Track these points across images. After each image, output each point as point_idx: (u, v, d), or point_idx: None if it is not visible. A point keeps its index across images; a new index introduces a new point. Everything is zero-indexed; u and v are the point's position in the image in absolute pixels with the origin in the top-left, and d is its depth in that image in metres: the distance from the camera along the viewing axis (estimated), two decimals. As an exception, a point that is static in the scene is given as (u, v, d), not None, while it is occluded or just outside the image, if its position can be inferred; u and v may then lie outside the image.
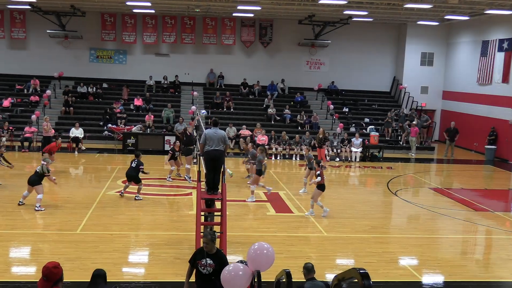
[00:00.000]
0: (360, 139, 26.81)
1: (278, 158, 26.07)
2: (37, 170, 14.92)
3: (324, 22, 31.60)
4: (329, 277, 10.07)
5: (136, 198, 16.31)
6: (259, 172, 17.29)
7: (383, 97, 35.08)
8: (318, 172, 15.27)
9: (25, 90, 31.20)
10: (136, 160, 16.78)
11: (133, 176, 16.54)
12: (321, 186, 15.24)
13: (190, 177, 19.47)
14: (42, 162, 15.26)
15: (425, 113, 31.89)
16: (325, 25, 31.74)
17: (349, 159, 26.24)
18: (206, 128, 12.78)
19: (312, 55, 34.46)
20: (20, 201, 15.06)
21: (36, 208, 14.65)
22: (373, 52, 34.65)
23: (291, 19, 32.61)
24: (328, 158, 25.73)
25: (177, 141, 21.41)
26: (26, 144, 25.33)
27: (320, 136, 24.14)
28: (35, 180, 14.83)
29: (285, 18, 32.79)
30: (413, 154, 28.35)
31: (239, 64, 33.77)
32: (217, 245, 11.37)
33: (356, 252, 12.51)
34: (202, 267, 7.24)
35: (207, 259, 7.24)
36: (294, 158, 25.85)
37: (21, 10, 31.25)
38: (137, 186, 16.54)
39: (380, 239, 13.68)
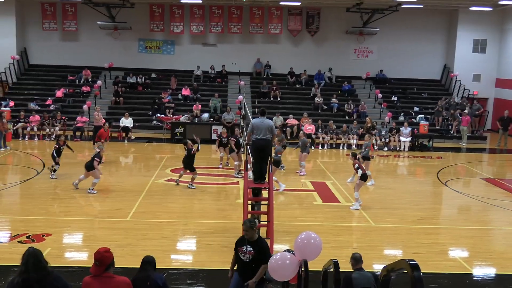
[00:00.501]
0: (409, 128, 26.35)
1: (325, 147, 25.92)
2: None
3: (372, 10, 31.09)
4: (377, 267, 10.01)
5: (189, 186, 16.59)
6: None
7: (433, 86, 34.31)
8: (356, 165, 15.04)
9: (77, 80, 31.99)
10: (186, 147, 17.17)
11: (187, 163, 16.86)
12: (363, 176, 15.03)
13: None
14: (96, 149, 15.85)
15: (477, 102, 31.04)
16: (374, 13, 31.22)
17: (398, 148, 25.84)
18: (253, 118, 12.81)
19: (360, 43, 34.00)
20: (75, 182, 15.78)
21: (89, 191, 15.41)
22: (423, 40, 33.89)
23: (338, 7, 32.23)
24: (376, 147, 25.41)
25: (224, 129, 21.55)
26: (78, 133, 26.05)
27: (368, 125, 23.88)
28: (91, 165, 15.44)
29: (333, 6, 32.43)
30: (464, 144, 27.70)
31: (286, 53, 33.64)
32: (264, 234, 11.55)
33: (405, 243, 12.35)
34: (243, 254, 7.29)
35: (248, 246, 7.27)
36: (341, 148, 25.66)
37: (73, 2, 32.00)
38: (191, 175, 16.78)
39: (429, 230, 13.45)
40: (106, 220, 13.16)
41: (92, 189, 15.44)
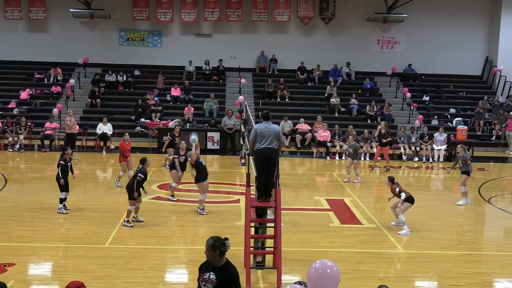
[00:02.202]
0: (445, 135, 26.32)
1: (343, 157, 25.87)
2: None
3: (399, -8, 31.22)
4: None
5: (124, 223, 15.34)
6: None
7: (473, 83, 34.31)
8: (397, 189, 15.00)
9: (46, 79, 32.10)
10: None
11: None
12: (409, 199, 14.93)
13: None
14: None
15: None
16: (400, -5, 31.33)
17: (431, 158, 25.79)
18: (256, 123, 12.80)
19: (384, 33, 34.06)
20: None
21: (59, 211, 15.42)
22: (460, 28, 33.90)
23: (358, -12, 32.46)
24: (405, 157, 25.38)
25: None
26: (46, 142, 26.06)
27: (382, 131, 23.76)
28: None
29: (351, -12, 32.69)
30: (511, 153, 27.64)
31: (295, 45, 33.72)
32: (270, 263, 11.51)
33: (440, 273, 12.26)
34: (203, 283, 7.04)
35: (211, 273, 7.08)
36: (363, 158, 25.59)
37: (40, -14, 32.20)
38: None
39: (470, 257, 13.37)
40: (80, 246, 13.10)
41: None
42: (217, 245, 6.96)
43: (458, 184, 18.58)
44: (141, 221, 14.97)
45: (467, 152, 18.87)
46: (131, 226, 14.68)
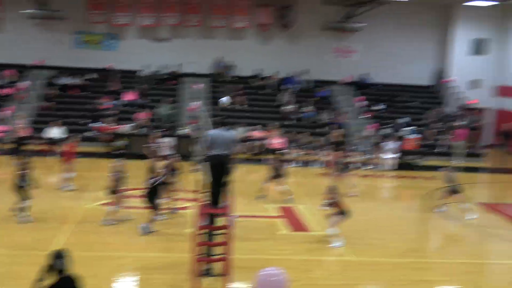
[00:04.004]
0: (396, 143, 26.61)
1: (298, 164, 25.95)
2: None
3: (355, 1, 31.48)
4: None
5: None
6: None
7: (425, 93, 34.81)
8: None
9: (-2, 81, 31.48)
10: None
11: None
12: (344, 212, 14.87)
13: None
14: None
15: (475, 112, 31.59)
16: (357, 6, 31.61)
17: (382, 167, 26.05)
18: (211, 129, 12.77)
19: (341, 41, 34.34)
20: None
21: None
22: (414, 38, 34.44)
23: (316, -3, 32.68)
24: (357, 165, 25.58)
25: None
26: (-3, 145, 25.53)
27: (337, 139, 23.95)
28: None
29: (310, -3, 32.90)
30: (459, 162, 28.09)
31: (253, 52, 33.74)
32: (220, 270, 11.43)
33: (389, 280, 12.41)
34: None
35: None
36: (316, 165, 25.72)
37: (-7, -15, 31.60)
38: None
39: (417, 265, 13.55)
40: (26, 254, 12.86)
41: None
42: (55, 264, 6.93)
43: (407, 193, 18.75)
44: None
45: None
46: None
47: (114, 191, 15.57)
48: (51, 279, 6.83)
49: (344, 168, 20.10)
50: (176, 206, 16.96)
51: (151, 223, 14.93)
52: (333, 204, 14.83)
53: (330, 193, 15.07)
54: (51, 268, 6.73)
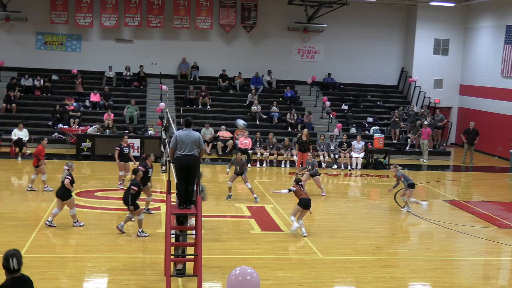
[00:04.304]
0: (362, 143, 26.87)
1: (264, 165, 26.03)
2: (60, 179, 15.04)
3: (318, 2, 31.70)
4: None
5: (139, 234, 14.87)
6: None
7: (389, 92, 35.26)
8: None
9: (-43, 83, 30.90)
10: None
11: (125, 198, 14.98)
12: (301, 201, 15.29)
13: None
14: (65, 167, 15.23)
15: (439, 111, 32.10)
16: (320, 6, 31.84)
17: (349, 166, 26.28)
18: (177, 129, 12.73)
19: (304, 42, 34.54)
20: (48, 221, 15.00)
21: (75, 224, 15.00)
22: (377, 39, 34.81)
23: (279, -2, 32.78)
24: (324, 165, 25.77)
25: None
26: (-42, 148, 25.06)
27: (304, 139, 24.06)
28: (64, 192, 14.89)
29: (273, -3, 32.99)
30: (425, 160, 28.49)
31: (217, 53, 33.74)
32: (191, 270, 11.44)
33: (358, 278, 12.53)
34: None
35: None
36: (283, 165, 25.84)
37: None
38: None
39: (386, 262, 13.74)
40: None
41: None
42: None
43: (375, 191, 18.95)
44: (147, 235, 14.66)
45: (399, 169, 19.26)
46: (147, 235, 14.61)
47: None
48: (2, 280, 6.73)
49: (310, 168, 20.14)
50: (148, 207, 16.88)
51: (126, 223, 14.94)
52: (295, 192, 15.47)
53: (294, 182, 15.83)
54: (4, 269, 6.64)
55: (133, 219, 15.01)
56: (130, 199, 14.40)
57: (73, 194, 15.24)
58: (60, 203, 14.97)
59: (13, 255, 6.64)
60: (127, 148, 19.91)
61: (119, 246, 13.89)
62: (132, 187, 14.54)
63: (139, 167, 15.74)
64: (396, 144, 29.89)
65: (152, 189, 19.06)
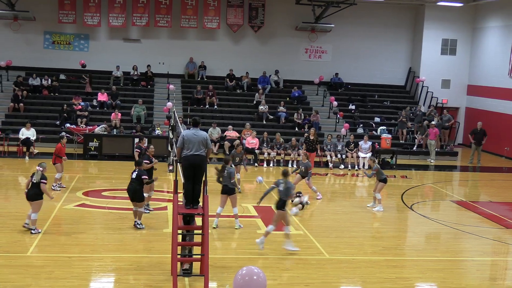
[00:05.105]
0: (369, 143, 26.85)
1: (271, 164, 26.03)
2: (34, 180, 14.45)
3: (326, 2, 31.67)
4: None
5: (137, 225, 15.30)
6: None
7: (397, 92, 35.20)
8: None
9: (-35, 82, 31.04)
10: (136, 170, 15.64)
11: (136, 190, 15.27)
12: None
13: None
14: (38, 168, 14.71)
15: (447, 112, 32.02)
16: (328, 6, 31.81)
17: (356, 166, 26.25)
18: (184, 129, 12.75)
19: (312, 42, 34.52)
20: (25, 223, 14.61)
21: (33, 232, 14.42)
22: (384, 39, 34.78)
23: (287, -2, 32.77)
24: (331, 165, 25.76)
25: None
26: (-34, 147, 25.19)
27: (311, 138, 24.03)
28: (36, 194, 14.43)
29: (280, -3, 32.98)
30: (432, 161, 28.43)
31: (224, 52, 33.76)
32: (198, 269, 11.46)
33: (365, 278, 12.51)
34: None
35: None
36: (290, 165, 25.82)
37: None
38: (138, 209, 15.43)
39: (393, 262, 13.71)
40: (1, 255, 12.73)
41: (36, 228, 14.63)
42: None
43: (382, 191, 18.91)
44: (143, 228, 15.15)
45: (376, 163, 19.26)
46: (143, 228, 15.04)
47: None
48: None
49: (303, 169, 19.81)
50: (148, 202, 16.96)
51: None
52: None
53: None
54: None
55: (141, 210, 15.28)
56: (139, 190, 14.90)
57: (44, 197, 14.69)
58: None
59: None
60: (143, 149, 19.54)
61: (126, 245, 13.91)
62: (143, 177, 15.02)
63: (144, 160, 16.12)
64: (403, 144, 29.84)
65: (159, 189, 19.17)
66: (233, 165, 18.15)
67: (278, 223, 14.03)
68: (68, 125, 27.94)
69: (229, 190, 15.63)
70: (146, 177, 15.23)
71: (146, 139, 20.96)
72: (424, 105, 33.11)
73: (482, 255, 14.82)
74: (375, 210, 18.45)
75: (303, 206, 18.09)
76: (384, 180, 18.52)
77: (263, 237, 13.97)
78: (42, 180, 14.40)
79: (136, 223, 15.14)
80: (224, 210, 17.07)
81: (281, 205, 13.93)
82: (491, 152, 31.11)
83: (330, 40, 34.49)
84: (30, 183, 14.48)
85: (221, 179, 15.77)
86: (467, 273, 13.46)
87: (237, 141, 19.54)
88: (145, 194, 15.85)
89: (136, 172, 15.21)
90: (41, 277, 11.56)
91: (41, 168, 14.66)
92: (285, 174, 14.36)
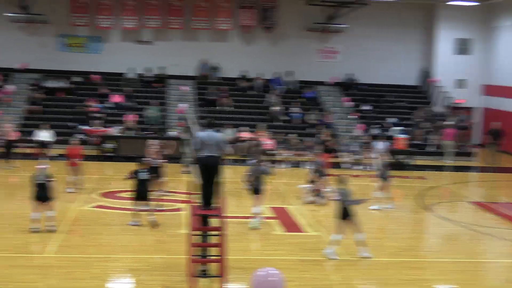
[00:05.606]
0: (384, 143, 26.71)
1: (286, 165, 25.99)
2: (40, 181, 14.59)
3: (338, 2, 31.61)
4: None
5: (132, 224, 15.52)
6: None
7: (411, 93, 35.01)
8: None
9: (-18, 85, 31.23)
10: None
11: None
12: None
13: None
14: (40, 167, 14.94)
15: (463, 112, 31.83)
16: (340, 7, 31.74)
17: (372, 167, 26.13)
18: (199, 131, 12.73)
19: (324, 43, 34.45)
20: (32, 227, 14.60)
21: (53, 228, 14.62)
22: (397, 39, 34.64)
23: (299, -1, 32.73)
24: (345, 166, 25.68)
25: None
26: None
27: (325, 138, 23.98)
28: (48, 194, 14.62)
29: (292, -2, 32.93)
30: (448, 161, 28.28)
31: (237, 53, 33.76)
32: (215, 271, 11.43)
33: (383, 280, 12.45)
34: None
35: None
36: (304, 166, 25.75)
37: (-25, -11, 31.33)
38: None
39: (411, 264, 13.63)
40: (19, 256, 12.81)
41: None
42: None
43: (397, 192, 18.86)
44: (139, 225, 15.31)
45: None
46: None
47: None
48: None
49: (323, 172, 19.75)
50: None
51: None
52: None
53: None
54: None
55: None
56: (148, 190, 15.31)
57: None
58: (40, 206, 14.66)
59: None
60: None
61: (143, 246, 13.94)
62: (151, 175, 15.60)
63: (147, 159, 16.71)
64: (419, 145, 29.68)
65: (174, 190, 19.18)
66: (266, 164, 18.41)
67: (345, 231, 13.68)
68: (83, 127, 28.04)
69: (257, 189, 15.93)
70: (151, 175, 15.74)
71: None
72: (439, 105, 32.94)
73: (502, 256, 14.70)
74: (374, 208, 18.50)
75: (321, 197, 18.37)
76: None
77: (332, 247, 13.70)
78: (49, 179, 14.70)
79: (137, 221, 15.36)
80: (239, 210, 17.09)
81: (345, 213, 13.53)
82: (508, 152, 30.81)
83: (343, 40, 34.40)
84: (36, 183, 14.58)
85: (250, 179, 16.11)
86: (488, 275, 13.39)
87: (255, 141, 19.67)
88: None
89: (145, 172, 15.46)
90: (60, 277, 11.61)
91: (44, 167, 15.01)
92: (342, 181, 14.10)
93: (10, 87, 29.86)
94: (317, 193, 18.68)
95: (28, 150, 25.33)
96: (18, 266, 12.16)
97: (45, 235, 14.31)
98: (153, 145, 18.81)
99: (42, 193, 14.55)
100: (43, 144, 25.27)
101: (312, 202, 18.51)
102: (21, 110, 29.63)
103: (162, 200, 17.42)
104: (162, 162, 17.62)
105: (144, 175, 15.37)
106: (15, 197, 19.12)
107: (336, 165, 26.23)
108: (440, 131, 29.20)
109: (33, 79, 31.26)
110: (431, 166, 27.28)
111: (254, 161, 16.92)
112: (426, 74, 34.90)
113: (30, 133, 26.53)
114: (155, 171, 16.74)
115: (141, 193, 15.29)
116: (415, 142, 29.82)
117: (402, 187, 23.05)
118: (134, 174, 15.43)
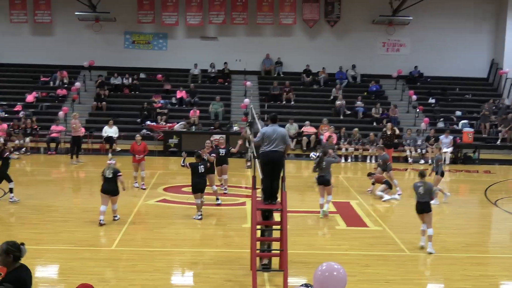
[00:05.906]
0: (450, 137, 26.27)
1: (349, 160, 25.85)
2: (107, 175, 15.07)
3: (404, -6, 31.19)
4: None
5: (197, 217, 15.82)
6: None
7: (479, 85, 34.22)
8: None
9: (51, 82, 32.19)
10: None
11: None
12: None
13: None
14: (109, 162, 15.44)
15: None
16: (406, -2, 31.31)
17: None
18: (263, 126, 12.81)
19: (389, 35, 34.02)
20: (101, 220, 14.99)
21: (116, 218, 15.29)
22: (465, 30, 33.88)
23: (363, -9, 32.45)
24: (410, 160, 25.34)
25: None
26: (52, 145, 26.12)
27: (388, 132, 23.62)
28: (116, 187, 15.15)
29: (356, -9, 32.67)
30: (517, 155, 27.58)
31: (300, 48, 33.71)
32: (276, 265, 11.50)
33: (447, 276, 12.24)
34: None
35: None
36: (368, 160, 25.57)
37: (46, -11, 32.28)
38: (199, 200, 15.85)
39: (477, 260, 13.35)
40: (87, 249, 13.12)
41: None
42: (11, 250, 6.74)
43: (464, 187, 18.49)
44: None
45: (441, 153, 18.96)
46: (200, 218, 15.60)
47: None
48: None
49: (381, 162, 19.68)
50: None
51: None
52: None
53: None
54: (13, 257, 6.80)
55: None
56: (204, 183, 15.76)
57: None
58: (112, 199, 15.16)
59: (21, 244, 6.83)
60: (223, 150, 18.79)
61: (206, 240, 14.11)
62: (206, 165, 15.93)
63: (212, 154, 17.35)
64: (486, 139, 29.02)
65: (238, 185, 19.34)
66: (336, 156, 18.88)
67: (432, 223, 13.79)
68: (148, 122, 28.58)
69: (325, 181, 16.12)
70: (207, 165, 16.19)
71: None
72: (508, 97, 32.10)
73: None
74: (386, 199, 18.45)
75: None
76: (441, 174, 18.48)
77: (429, 242, 13.61)
78: (118, 174, 15.06)
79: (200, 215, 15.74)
80: (301, 205, 17.10)
81: (427, 206, 13.78)
82: None
83: (408, 33, 33.91)
84: (104, 178, 15.07)
85: (317, 169, 16.38)
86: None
87: (327, 134, 20.07)
88: (214, 187, 17.15)
89: (203, 165, 15.82)
90: (125, 270, 11.86)
91: (113, 162, 15.51)
92: (422, 175, 14.15)
93: (77, 85, 30.66)
94: (381, 187, 18.58)
95: (94, 146, 25.98)
96: (85, 259, 12.48)
97: (111, 228, 14.69)
98: (212, 140, 18.98)
99: (110, 187, 14.99)
100: (108, 140, 25.94)
101: (380, 198, 18.38)
102: (88, 106, 30.40)
103: (220, 194, 17.62)
104: (213, 157, 17.60)
105: (201, 168, 15.62)
106: (82, 192, 19.67)
107: (401, 160, 25.99)
108: (509, 124, 28.43)
109: (100, 75, 31.96)
110: (499, 160, 26.63)
111: (321, 154, 16.94)
112: (495, 66, 34.00)
113: (96, 129, 27.25)
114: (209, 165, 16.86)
115: (197, 185, 15.56)
116: (482, 135, 29.17)
117: (469, 181, 22.62)
118: (191, 167, 15.72)
